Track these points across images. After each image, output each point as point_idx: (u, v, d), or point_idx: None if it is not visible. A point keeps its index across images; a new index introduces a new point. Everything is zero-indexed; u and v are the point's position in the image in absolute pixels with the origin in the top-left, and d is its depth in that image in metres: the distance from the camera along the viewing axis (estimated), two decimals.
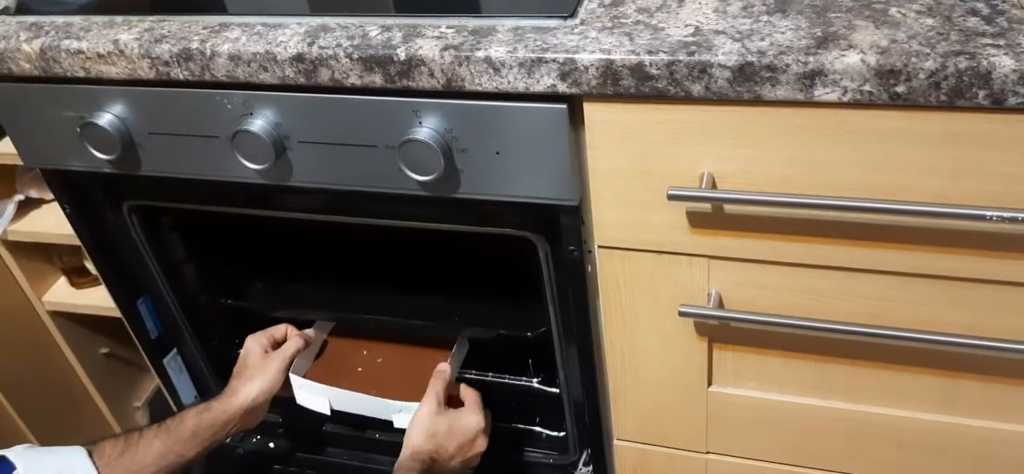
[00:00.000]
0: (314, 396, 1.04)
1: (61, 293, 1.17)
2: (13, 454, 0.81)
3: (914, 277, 0.66)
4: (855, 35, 0.57)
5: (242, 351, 1.01)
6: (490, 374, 1.09)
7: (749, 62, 0.57)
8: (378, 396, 1.00)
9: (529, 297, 0.93)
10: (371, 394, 1.01)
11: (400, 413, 0.99)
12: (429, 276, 1.07)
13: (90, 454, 0.84)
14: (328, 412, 1.04)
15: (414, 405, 0.95)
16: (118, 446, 0.87)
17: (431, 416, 0.92)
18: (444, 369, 0.99)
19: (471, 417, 0.94)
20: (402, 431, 0.94)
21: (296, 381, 1.03)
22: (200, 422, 0.92)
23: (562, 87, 0.62)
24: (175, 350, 1.11)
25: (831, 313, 0.69)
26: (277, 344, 1.04)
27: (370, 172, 0.75)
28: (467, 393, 0.98)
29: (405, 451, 0.90)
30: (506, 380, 1.09)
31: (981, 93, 0.54)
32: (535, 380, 1.07)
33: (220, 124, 0.76)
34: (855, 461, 0.82)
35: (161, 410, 1.31)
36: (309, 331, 1.06)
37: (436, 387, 0.96)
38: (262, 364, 0.98)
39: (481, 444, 0.94)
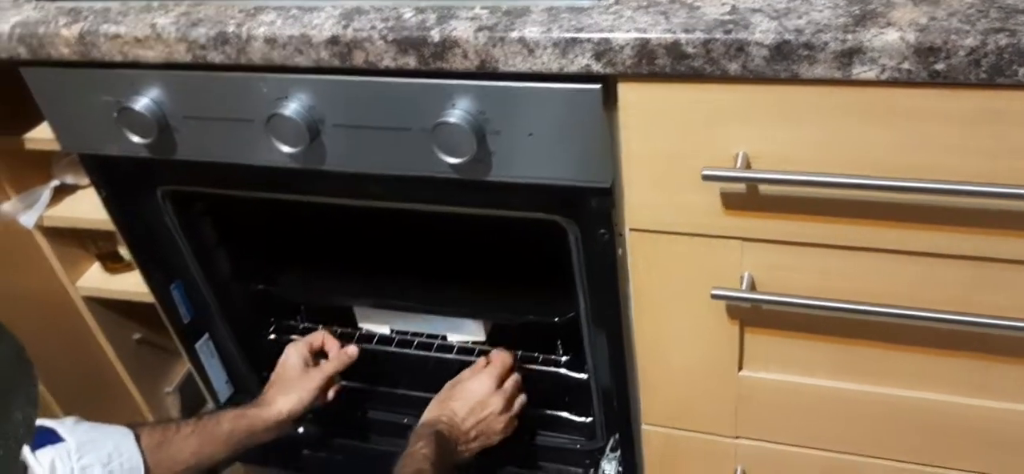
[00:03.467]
0: (375, 324, 1.13)
1: (95, 278, 1.19)
2: (63, 428, 0.82)
3: (950, 259, 0.65)
4: (894, 12, 0.57)
5: (281, 359, 1.04)
6: (519, 354, 1.09)
7: (786, 40, 0.57)
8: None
9: (557, 282, 0.94)
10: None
11: (455, 332, 1.09)
12: (457, 261, 1.08)
13: (136, 437, 0.86)
14: (388, 332, 1.14)
15: (468, 323, 1.04)
16: (156, 436, 0.88)
17: (452, 390, 0.96)
18: (501, 356, 1.02)
19: (482, 380, 0.97)
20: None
21: (359, 311, 1.11)
22: (236, 427, 0.94)
23: (596, 67, 0.62)
24: (207, 335, 1.12)
25: (865, 295, 0.69)
26: (315, 352, 1.06)
27: (403, 155, 0.76)
28: (492, 360, 1.01)
29: (423, 419, 0.93)
30: (533, 366, 1.10)
31: (1021, 70, 0.54)
32: (562, 366, 1.08)
33: (255, 108, 0.77)
34: (885, 445, 0.82)
35: (191, 395, 1.33)
36: (352, 347, 1.07)
37: (479, 366, 1.00)
38: (301, 379, 1.01)
39: (495, 405, 0.96)
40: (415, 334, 1.14)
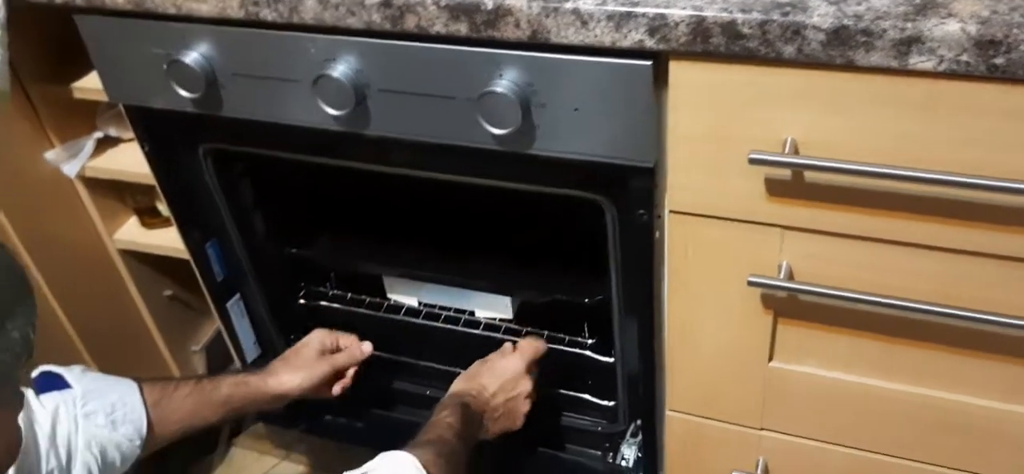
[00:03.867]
0: (403, 296, 1.14)
1: (132, 232, 1.20)
2: (71, 376, 0.83)
3: (998, 259, 0.65)
4: (955, 3, 0.56)
5: (305, 338, 1.04)
6: (545, 334, 1.09)
7: (845, 25, 0.56)
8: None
9: (589, 263, 0.94)
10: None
11: (483, 307, 1.10)
12: (489, 237, 1.08)
13: (141, 391, 0.87)
14: (416, 304, 1.15)
15: (495, 299, 1.05)
16: (155, 392, 0.89)
17: (481, 366, 0.97)
18: (534, 345, 1.02)
19: (513, 359, 0.98)
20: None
21: (389, 283, 1.12)
22: (234, 393, 0.95)
23: (650, 43, 0.62)
24: (238, 295, 1.13)
25: (906, 291, 0.69)
26: (339, 350, 1.06)
27: (446, 124, 0.76)
28: (523, 344, 1.01)
29: (449, 392, 0.94)
30: (558, 346, 1.10)
31: None
32: (588, 349, 1.08)
33: (303, 68, 0.77)
34: (915, 446, 0.81)
35: (218, 355, 1.35)
36: (367, 345, 1.07)
37: (508, 347, 1.01)
38: (313, 363, 1.01)
39: (525, 386, 0.97)
40: (443, 308, 1.15)
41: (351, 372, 1.05)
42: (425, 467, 0.76)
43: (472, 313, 1.14)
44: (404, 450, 0.78)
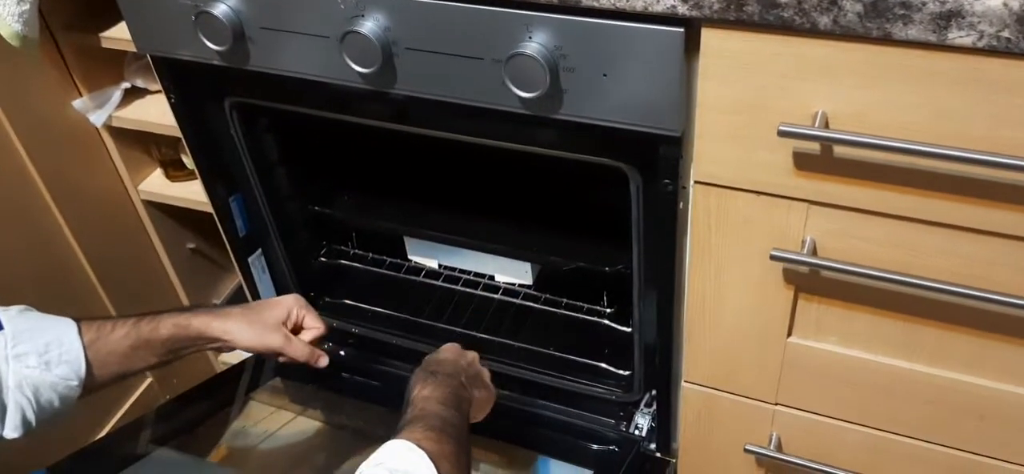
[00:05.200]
0: (424, 258, 1.14)
1: (156, 184, 1.22)
2: (6, 317, 0.81)
3: None
4: None
5: (278, 298, 0.99)
6: (564, 301, 1.10)
7: None
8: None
9: (611, 232, 0.94)
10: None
11: (503, 272, 1.09)
12: (512, 202, 1.08)
13: (79, 330, 0.84)
14: (436, 266, 1.15)
15: (519, 265, 1.06)
16: (91, 331, 0.85)
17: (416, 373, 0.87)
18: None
19: (444, 350, 0.93)
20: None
21: (409, 244, 1.14)
22: (176, 335, 0.90)
23: (683, 9, 0.61)
24: (260, 250, 1.14)
25: (931, 272, 0.68)
26: (301, 329, 0.99)
27: (473, 85, 0.76)
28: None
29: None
30: (577, 314, 1.10)
31: None
32: (606, 318, 1.08)
33: (331, 23, 0.77)
34: (932, 428, 0.81)
35: None
36: (324, 359, 0.99)
37: None
38: (269, 331, 0.94)
39: (469, 354, 0.93)
40: (463, 271, 1.15)
41: (325, 360, 0.99)
42: (418, 444, 0.69)
43: (492, 277, 1.14)
44: (394, 439, 0.71)
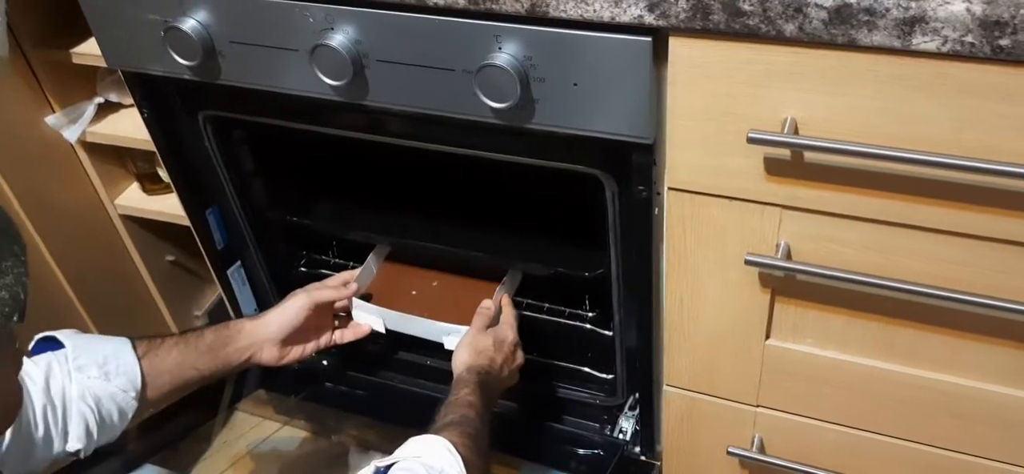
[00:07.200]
0: (369, 316, 1.07)
1: (133, 198, 1.21)
2: (64, 336, 0.84)
3: (995, 242, 0.64)
4: None
5: (302, 302, 1.00)
6: (545, 306, 1.09)
7: (847, 3, 0.55)
8: (430, 319, 1.03)
9: (589, 237, 0.94)
10: (423, 317, 1.04)
11: (449, 336, 1.03)
12: (490, 209, 1.08)
13: (133, 346, 0.88)
14: (383, 331, 1.06)
15: (463, 328, 1.00)
16: (143, 346, 0.89)
17: (477, 336, 0.97)
18: (487, 306, 1.02)
19: (508, 331, 1.00)
20: (450, 355, 0.97)
21: (355, 302, 1.06)
22: (217, 338, 0.95)
23: (649, 19, 0.61)
24: (239, 262, 1.14)
25: (903, 273, 0.68)
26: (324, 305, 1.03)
27: (445, 96, 0.75)
28: (505, 310, 1.03)
29: (459, 368, 0.93)
30: (559, 319, 1.10)
31: None
32: (588, 322, 1.08)
33: (301, 37, 0.76)
34: (908, 427, 0.81)
35: (220, 321, 1.35)
36: (353, 285, 1.05)
37: (482, 315, 1.01)
38: (296, 307, 0.99)
39: (520, 356, 1.00)
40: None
41: (340, 334, 1.05)
42: (456, 448, 0.75)
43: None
44: (432, 433, 0.78)
